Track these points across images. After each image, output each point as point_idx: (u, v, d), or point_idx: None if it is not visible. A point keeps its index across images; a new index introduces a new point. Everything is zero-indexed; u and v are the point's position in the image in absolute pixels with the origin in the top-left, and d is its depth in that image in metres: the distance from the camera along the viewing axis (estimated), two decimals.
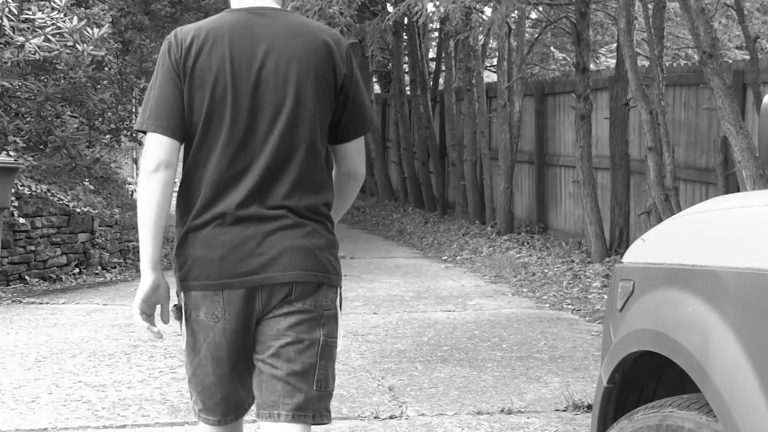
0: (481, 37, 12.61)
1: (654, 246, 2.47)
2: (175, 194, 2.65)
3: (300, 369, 2.54)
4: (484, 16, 11.69)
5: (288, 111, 2.55)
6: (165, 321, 2.66)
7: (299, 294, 2.54)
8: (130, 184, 21.47)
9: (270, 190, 2.54)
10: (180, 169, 2.60)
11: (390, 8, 13.87)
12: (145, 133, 2.57)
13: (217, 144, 2.55)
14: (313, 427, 2.60)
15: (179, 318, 2.64)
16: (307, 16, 10.44)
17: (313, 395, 2.56)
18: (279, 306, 2.54)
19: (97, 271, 9.55)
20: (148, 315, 2.61)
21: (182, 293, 2.62)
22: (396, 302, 8.02)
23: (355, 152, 2.70)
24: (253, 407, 2.73)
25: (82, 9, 9.84)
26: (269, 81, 2.55)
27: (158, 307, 2.64)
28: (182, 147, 2.61)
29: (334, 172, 2.73)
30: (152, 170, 2.51)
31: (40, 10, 8.59)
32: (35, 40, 8.33)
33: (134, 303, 2.62)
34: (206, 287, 2.55)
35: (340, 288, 2.66)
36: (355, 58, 2.74)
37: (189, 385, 2.72)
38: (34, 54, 8.38)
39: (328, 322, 2.59)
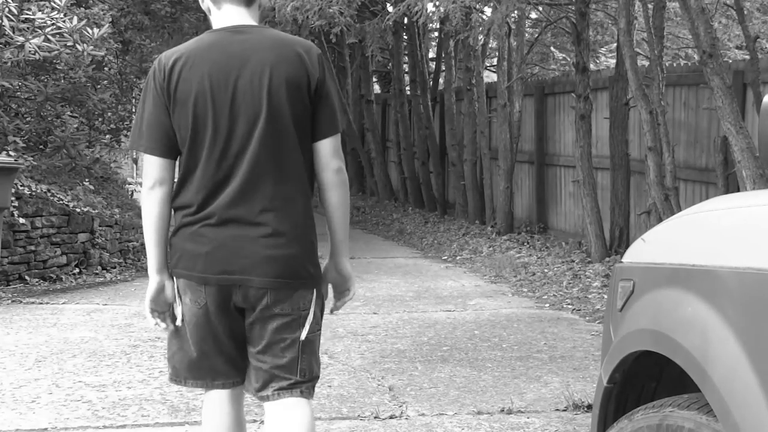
0: (481, 37, 12.60)
1: (654, 246, 2.47)
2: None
3: (284, 363, 2.84)
4: (484, 16, 11.68)
5: (264, 119, 2.79)
6: (167, 321, 2.94)
7: (275, 299, 2.81)
8: (130, 184, 21.45)
9: (253, 194, 2.80)
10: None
11: (390, 8, 13.87)
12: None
13: (203, 153, 2.81)
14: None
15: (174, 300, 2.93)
16: (307, 17, 10.47)
17: (298, 380, 2.87)
18: (262, 309, 2.82)
19: (97, 271, 9.55)
20: (160, 312, 2.92)
21: (174, 279, 2.89)
22: (396, 302, 8.02)
23: (327, 149, 2.86)
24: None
25: (82, 9, 9.83)
26: (245, 92, 2.79)
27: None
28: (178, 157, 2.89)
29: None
30: (150, 188, 2.85)
31: (40, 10, 8.59)
32: (35, 40, 8.33)
33: (145, 304, 2.91)
34: (190, 278, 2.83)
35: (319, 287, 2.90)
36: (328, 64, 2.92)
37: (171, 362, 2.97)
38: (34, 54, 8.38)
39: (305, 320, 2.86)
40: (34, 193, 9.01)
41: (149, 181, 2.84)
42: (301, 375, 2.85)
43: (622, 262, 2.66)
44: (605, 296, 7.66)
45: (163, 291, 2.88)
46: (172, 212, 2.90)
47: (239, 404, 3.03)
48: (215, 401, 3.00)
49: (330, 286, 3.03)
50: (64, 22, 8.49)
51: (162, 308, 2.89)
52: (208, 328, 2.85)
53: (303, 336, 2.85)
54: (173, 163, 2.87)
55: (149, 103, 2.84)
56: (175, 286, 2.89)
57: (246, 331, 2.88)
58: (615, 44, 11.87)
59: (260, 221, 2.79)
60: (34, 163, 8.88)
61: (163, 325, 2.91)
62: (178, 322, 2.89)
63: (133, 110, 15.65)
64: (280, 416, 2.86)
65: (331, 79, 2.89)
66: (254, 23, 2.91)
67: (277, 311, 2.81)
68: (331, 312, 3.07)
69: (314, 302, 2.87)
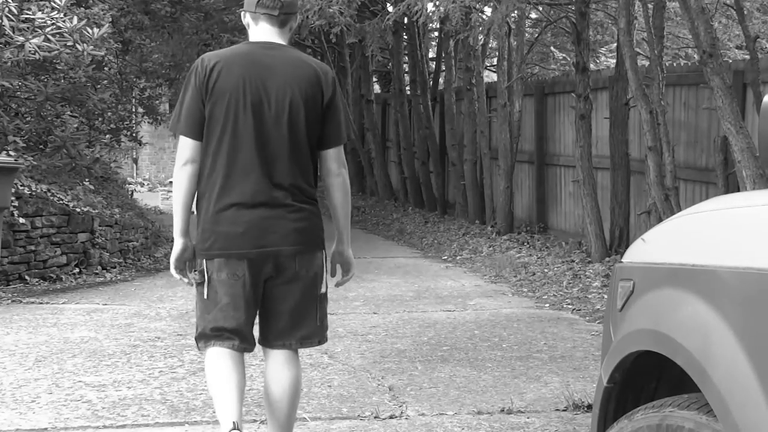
0: (481, 36, 12.60)
1: (654, 246, 2.47)
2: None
3: (305, 313, 3.54)
4: (484, 16, 11.68)
5: (285, 120, 3.44)
6: (188, 276, 3.59)
7: (301, 263, 3.49)
8: (130, 184, 21.41)
9: (276, 181, 3.45)
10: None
11: (390, 8, 13.86)
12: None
13: (234, 143, 3.44)
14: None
15: (201, 281, 3.50)
16: (307, 16, 10.46)
17: (317, 327, 3.58)
18: (291, 273, 3.48)
19: (97, 271, 9.55)
20: (181, 270, 3.57)
21: (205, 261, 3.47)
22: (396, 302, 8.01)
23: (331, 157, 3.57)
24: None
25: (82, 9, 9.83)
26: (271, 97, 3.44)
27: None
28: (206, 144, 3.49)
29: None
30: (182, 164, 3.48)
31: (40, 10, 8.58)
32: (35, 40, 8.33)
33: (171, 262, 3.58)
34: (230, 255, 3.44)
35: (325, 249, 3.61)
36: (338, 85, 3.58)
37: (204, 332, 3.52)
38: (34, 54, 8.38)
39: (320, 277, 3.57)
40: (34, 193, 9.01)
41: (182, 160, 3.48)
42: (319, 321, 3.58)
43: (622, 262, 2.66)
44: (605, 296, 7.66)
45: (186, 251, 3.54)
46: (203, 196, 3.49)
47: (242, 362, 3.54)
48: (219, 356, 3.49)
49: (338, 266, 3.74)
50: (64, 21, 8.49)
51: (183, 266, 3.56)
52: (243, 295, 3.46)
53: (322, 290, 3.57)
54: (201, 146, 3.48)
55: (189, 95, 3.47)
56: (204, 266, 3.47)
57: (272, 293, 3.51)
58: (615, 44, 11.87)
59: (284, 203, 3.46)
60: (34, 162, 8.87)
61: (185, 279, 3.58)
62: (205, 295, 3.48)
63: (134, 110, 15.64)
64: (277, 370, 3.54)
65: (340, 97, 3.56)
66: (283, 43, 3.57)
67: (303, 273, 3.50)
68: (336, 285, 3.75)
69: (324, 262, 3.60)
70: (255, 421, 4.48)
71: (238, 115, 3.42)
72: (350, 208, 3.65)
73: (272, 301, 3.53)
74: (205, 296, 3.48)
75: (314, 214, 3.54)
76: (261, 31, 3.56)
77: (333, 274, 3.71)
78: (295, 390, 3.55)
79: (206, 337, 3.52)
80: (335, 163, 3.56)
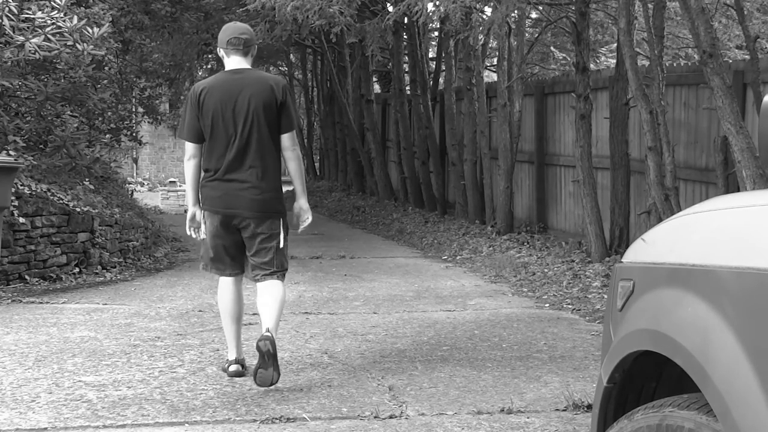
0: (481, 36, 12.60)
1: (654, 246, 2.47)
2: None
3: (267, 260, 5.17)
4: (484, 16, 11.68)
5: (251, 123, 5.10)
6: (198, 233, 5.30)
7: (256, 224, 5.12)
8: (130, 183, 21.42)
9: (244, 164, 5.10)
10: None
11: (390, 8, 13.86)
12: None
13: (218, 143, 5.13)
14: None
15: (203, 223, 5.21)
16: (307, 16, 10.48)
17: (275, 269, 5.17)
18: (251, 230, 5.12)
19: (97, 271, 9.54)
20: (195, 229, 5.28)
21: (203, 211, 5.20)
22: (396, 302, 8.01)
23: (286, 138, 5.19)
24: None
25: (82, 8, 9.83)
26: (240, 108, 5.10)
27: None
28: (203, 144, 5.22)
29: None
30: (187, 159, 5.20)
31: (40, 10, 8.59)
32: (35, 40, 8.33)
33: (186, 223, 5.32)
34: (210, 210, 5.15)
35: (284, 217, 5.20)
36: (290, 89, 5.28)
37: (203, 258, 5.37)
38: (34, 53, 8.38)
39: (277, 236, 5.17)
40: (34, 193, 9.00)
41: (187, 156, 5.18)
42: (276, 266, 5.15)
43: (622, 262, 2.66)
44: (605, 296, 7.66)
45: (195, 217, 5.23)
46: (201, 173, 5.13)
47: (240, 286, 5.30)
48: (226, 283, 5.26)
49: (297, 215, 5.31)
50: (64, 21, 8.49)
51: (195, 225, 5.25)
52: (220, 239, 5.18)
53: (276, 245, 5.13)
54: (201, 146, 5.16)
55: (189, 112, 5.17)
56: (202, 215, 5.18)
57: (245, 242, 5.16)
58: (615, 44, 11.87)
59: (249, 180, 5.09)
60: (34, 162, 8.87)
61: (195, 235, 5.26)
62: (203, 235, 5.21)
63: (134, 110, 15.66)
64: (264, 290, 5.11)
65: (290, 99, 5.21)
66: (248, 66, 5.22)
67: (258, 231, 5.12)
68: (299, 232, 5.44)
69: (281, 226, 5.18)
70: (255, 421, 4.49)
71: (219, 122, 5.09)
72: (303, 173, 5.26)
73: (246, 248, 5.20)
74: (204, 234, 5.21)
75: (271, 190, 5.12)
76: (232, 61, 5.21)
77: (294, 228, 5.30)
78: (274, 298, 5.07)
79: (204, 260, 5.33)
80: (289, 142, 5.19)
